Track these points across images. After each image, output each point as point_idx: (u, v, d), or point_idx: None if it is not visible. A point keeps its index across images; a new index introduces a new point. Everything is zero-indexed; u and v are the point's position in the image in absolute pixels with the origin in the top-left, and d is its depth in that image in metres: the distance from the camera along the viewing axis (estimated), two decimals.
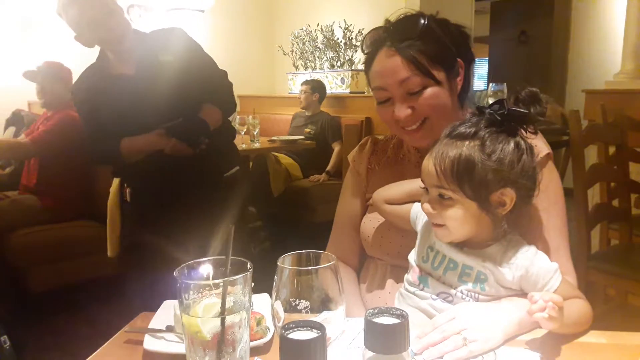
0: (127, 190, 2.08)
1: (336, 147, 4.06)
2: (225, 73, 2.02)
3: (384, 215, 1.09)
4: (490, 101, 2.68)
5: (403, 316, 0.57)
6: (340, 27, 4.75)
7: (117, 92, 1.85)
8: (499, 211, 0.85)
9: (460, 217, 0.85)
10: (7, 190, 3.01)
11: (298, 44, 5.12)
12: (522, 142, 0.85)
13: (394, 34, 1.01)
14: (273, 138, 3.93)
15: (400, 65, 0.98)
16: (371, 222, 1.13)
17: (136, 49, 1.87)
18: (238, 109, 4.94)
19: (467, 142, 0.84)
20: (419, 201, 0.93)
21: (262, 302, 0.94)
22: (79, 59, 1.94)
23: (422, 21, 1.00)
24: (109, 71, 1.89)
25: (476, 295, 0.87)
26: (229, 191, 2.03)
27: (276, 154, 4.00)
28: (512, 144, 0.84)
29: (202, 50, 1.96)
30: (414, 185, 1.03)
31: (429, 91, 1.00)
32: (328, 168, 4.04)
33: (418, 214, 0.99)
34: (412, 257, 0.97)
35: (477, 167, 0.82)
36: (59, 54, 4.04)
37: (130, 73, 1.86)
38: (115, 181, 2.17)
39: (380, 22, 1.06)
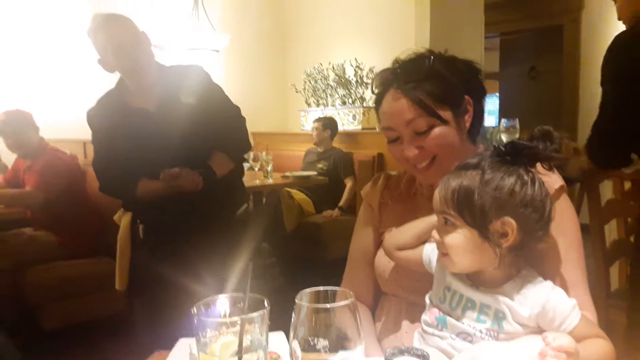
0: (140, 227, 2.10)
1: (349, 183, 4.07)
2: (238, 110, 2.04)
3: (397, 262, 1.09)
4: (503, 137, 2.68)
5: (424, 356, 0.56)
6: (351, 65, 4.84)
7: (136, 127, 1.85)
8: (501, 242, 0.85)
9: (461, 245, 0.85)
10: (24, 226, 3.04)
11: (310, 82, 5.21)
12: (525, 174, 0.85)
13: (400, 76, 1.03)
14: (286, 174, 3.96)
15: (406, 107, 1.01)
16: (385, 256, 1.13)
17: (158, 84, 1.87)
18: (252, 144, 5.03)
19: (469, 172, 0.86)
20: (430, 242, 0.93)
21: (278, 341, 0.93)
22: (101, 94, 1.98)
23: (428, 62, 1.03)
24: (128, 103, 1.90)
25: (495, 333, 0.85)
26: (241, 229, 2.04)
27: (289, 189, 4.01)
28: (514, 174, 0.84)
29: (222, 92, 1.99)
30: (422, 226, 1.03)
31: (436, 131, 1.01)
32: (341, 204, 4.04)
33: (430, 256, 0.99)
34: (429, 298, 0.97)
35: (475, 194, 0.83)
36: (81, 92, 4.17)
37: (151, 109, 1.87)
38: (127, 215, 2.18)
39: (390, 60, 1.09)
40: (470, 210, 0.84)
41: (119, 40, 1.78)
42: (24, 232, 2.96)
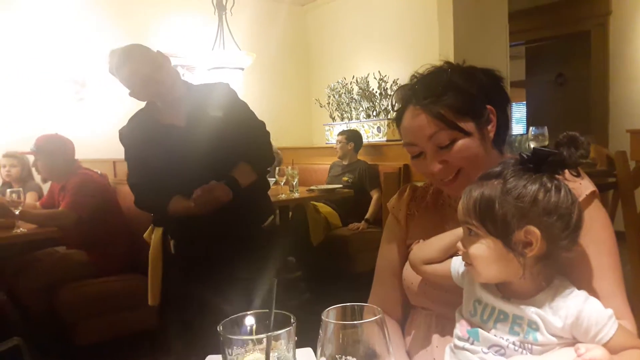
0: (172, 243, 2.12)
1: (375, 195, 4.05)
2: (263, 124, 2.07)
3: (424, 277, 1.07)
4: (532, 145, 2.65)
5: None
6: (375, 78, 4.85)
7: (167, 143, 1.91)
8: (526, 251, 0.82)
9: (485, 255, 0.84)
10: (57, 245, 3.10)
11: (334, 96, 5.24)
12: (549, 181, 0.83)
13: (419, 92, 1.02)
14: (312, 188, 3.96)
15: (426, 122, 0.99)
16: None
17: (186, 100, 1.93)
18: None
19: (491, 181, 0.85)
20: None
21: (306, 358, 0.92)
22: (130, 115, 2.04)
23: (446, 75, 1.02)
24: (158, 120, 1.96)
25: (529, 346, 0.83)
26: (269, 241, 2.06)
27: (315, 203, 4.02)
28: (537, 182, 0.82)
29: (248, 108, 2.03)
30: (448, 239, 1.01)
31: (459, 143, 0.99)
32: (367, 216, 4.02)
33: (459, 269, 0.97)
34: (459, 312, 0.95)
35: (496, 204, 0.82)
36: (110, 113, 4.28)
37: (180, 124, 1.92)
38: (158, 232, 2.21)
39: (414, 71, 1.08)
40: (492, 220, 0.82)
41: (143, 72, 1.85)
42: (57, 250, 3.03)
